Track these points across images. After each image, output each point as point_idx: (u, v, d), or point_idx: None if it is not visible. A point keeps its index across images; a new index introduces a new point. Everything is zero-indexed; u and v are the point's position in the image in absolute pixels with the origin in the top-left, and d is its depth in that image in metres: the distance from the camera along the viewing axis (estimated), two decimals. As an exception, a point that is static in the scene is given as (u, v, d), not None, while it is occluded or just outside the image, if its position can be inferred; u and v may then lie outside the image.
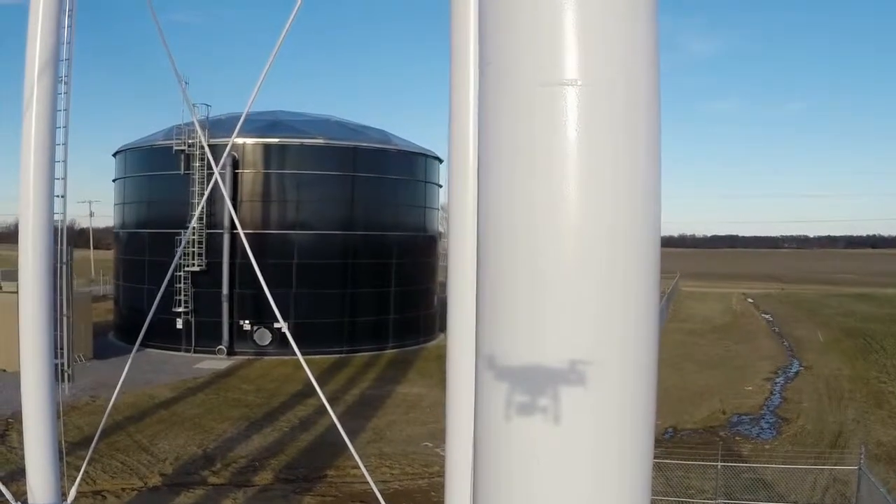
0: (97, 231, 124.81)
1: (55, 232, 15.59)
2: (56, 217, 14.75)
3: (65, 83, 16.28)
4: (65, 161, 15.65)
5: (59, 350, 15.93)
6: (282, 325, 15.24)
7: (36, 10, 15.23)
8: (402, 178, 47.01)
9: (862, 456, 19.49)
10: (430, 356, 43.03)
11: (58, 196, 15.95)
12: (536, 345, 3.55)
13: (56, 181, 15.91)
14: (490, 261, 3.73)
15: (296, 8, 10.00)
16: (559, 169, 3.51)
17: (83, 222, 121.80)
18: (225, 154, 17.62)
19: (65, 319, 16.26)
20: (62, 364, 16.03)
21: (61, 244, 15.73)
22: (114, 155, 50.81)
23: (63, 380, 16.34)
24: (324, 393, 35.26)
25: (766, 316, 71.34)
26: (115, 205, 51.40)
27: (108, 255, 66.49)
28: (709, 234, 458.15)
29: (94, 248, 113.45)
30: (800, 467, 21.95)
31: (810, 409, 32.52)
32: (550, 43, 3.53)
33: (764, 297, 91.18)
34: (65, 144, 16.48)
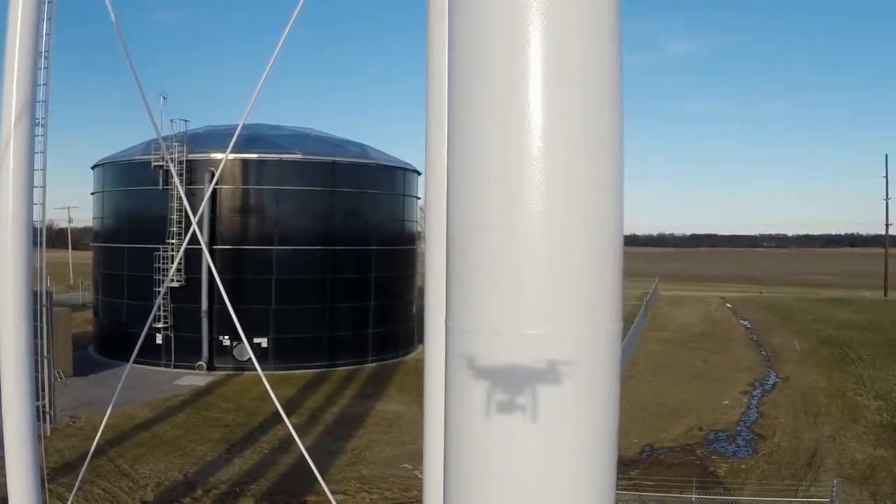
0: (75, 231, 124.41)
1: (34, 274, 15.66)
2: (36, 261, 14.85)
3: (42, 125, 16.33)
4: (43, 203, 15.73)
5: (40, 392, 16.02)
6: (246, 347, 15.35)
7: (12, 56, 15.28)
8: (381, 192, 47.13)
9: (834, 489, 19.75)
10: (408, 370, 43.14)
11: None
12: (514, 344, 3.70)
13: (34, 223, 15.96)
14: (463, 260, 3.88)
15: (292, 20, 10.01)
16: (528, 171, 3.64)
17: (62, 223, 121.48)
18: (211, 183, 17.56)
19: (45, 362, 16.33)
20: (43, 406, 16.09)
21: (41, 287, 15.81)
22: (92, 167, 50.72)
23: (45, 421, 16.40)
24: (304, 410, 35.37)
25: (744, 322, 71.79)
26: (93, 218, 51.33)
27: (87, 255, 65.84)
28: (688, 233, 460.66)
29: (73, 248, 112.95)
30: (773, 500, 22.17)
31: (786, 426, 32.81)
32: (516, 55, 3.64)
33: (742, 302, 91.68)
34: (43, 187, 16.56)
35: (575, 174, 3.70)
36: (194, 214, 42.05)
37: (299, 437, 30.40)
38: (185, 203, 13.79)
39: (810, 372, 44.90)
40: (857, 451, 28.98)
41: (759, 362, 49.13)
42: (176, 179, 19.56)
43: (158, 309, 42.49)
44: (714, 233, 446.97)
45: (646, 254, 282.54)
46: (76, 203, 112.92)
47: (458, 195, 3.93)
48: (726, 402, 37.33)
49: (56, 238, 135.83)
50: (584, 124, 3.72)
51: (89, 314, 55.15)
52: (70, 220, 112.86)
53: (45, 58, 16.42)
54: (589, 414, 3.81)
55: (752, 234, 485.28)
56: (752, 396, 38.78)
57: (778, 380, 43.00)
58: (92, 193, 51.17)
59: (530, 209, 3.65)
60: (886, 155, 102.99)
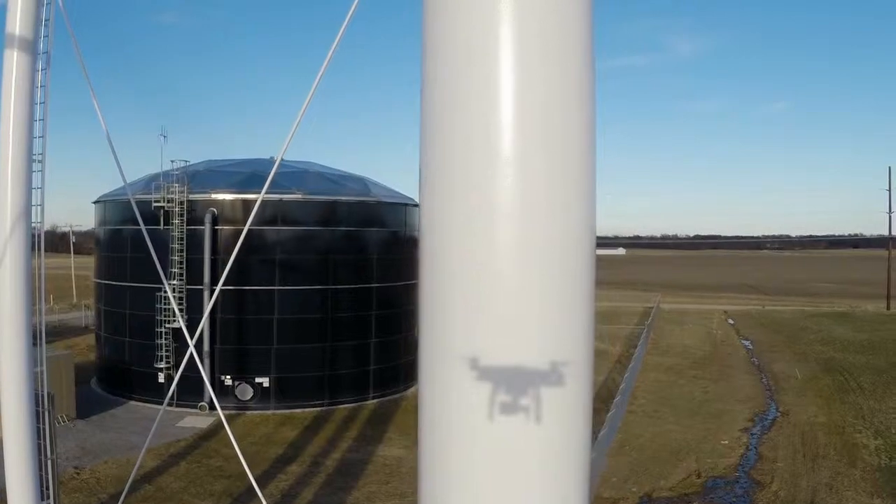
0: (77, 234, 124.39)
1: (36, 377, 15.90)
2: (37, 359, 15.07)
3: (40, 221, 16.55)
4: (41, 309, 15.95)
5: (44, 491, 16.23)
6: (208, 388, 15.63)
7: (5, 161, 15.52)
8: (382, 230, 47.23)
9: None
10: (409, 407, 43.28)
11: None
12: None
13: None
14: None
15: (328, 57, 10.05)
16: (499, 172, 3.75)
17: (63, 226, 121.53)
18: (246, 224, 17.44)
19: (49, 462, 16.56)
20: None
21: (42, 390, 16.04)
22: (94, 202, 51.07)
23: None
24: (305, 457, 35.42)
25: (746, 343, 71.98)
26: (95, 255, 51.58)
27: (90, 261, 65.07)
28: (692, 234, 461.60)
29: (75, 252, 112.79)
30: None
31: (784, 471, 32.94)
32: (486, 56, 3.74)
33: (744, 317, 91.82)
34: (42, 281, 16.80)
35: (548, 175, 3.81)
36: (200, 255, 42.54)
37: (302, 489, 30.53)
38: (153, 253, 13.99)
39: (810, 404, 45.02)
40: (854, 502, 29.14)
41: (759, 392, 49.23)
42: (140, 221, 19.84)
43: (160, 350, 42.87)
44: (717, 234, 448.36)
45: (649, 258, 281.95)
46: (81, 206, 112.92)
47: (433, 194, 4.02)
48: (725, 441, 37.45)
49: (59, 242, 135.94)
50: (555, 128, 3.82)
51: (92, 339, 55.24)
52: (73, 241, 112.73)
53: (42, 145, 16.71)
54: (582, 414, 4.02)
55: (755, 234, 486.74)
56: (752, 434, 38.89)
57: (778, 414, 43.13)
58: (93, 228, 51.53)
59: (502, 209, 3.76)
60: (889, 167, 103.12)
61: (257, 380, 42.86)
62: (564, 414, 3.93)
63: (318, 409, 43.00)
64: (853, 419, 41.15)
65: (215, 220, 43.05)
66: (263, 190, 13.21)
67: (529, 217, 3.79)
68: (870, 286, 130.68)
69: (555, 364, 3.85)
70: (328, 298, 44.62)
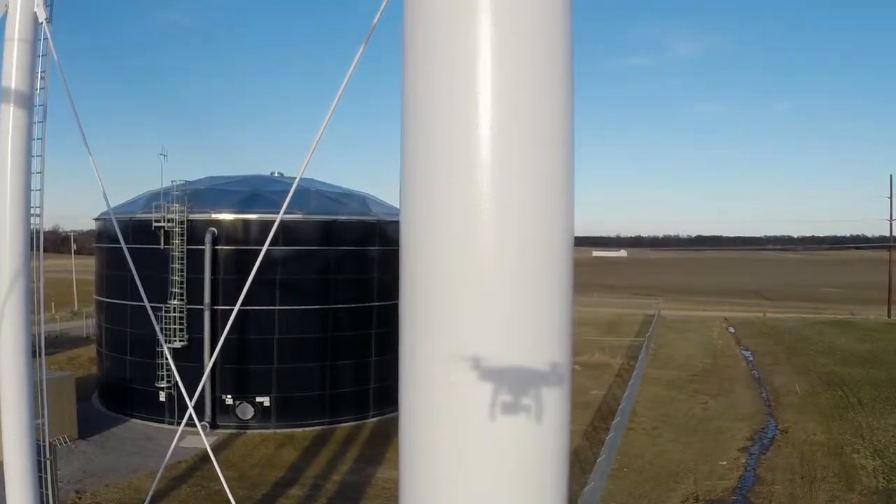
0: (80, 236, 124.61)
1: (38, 431, 16.05)
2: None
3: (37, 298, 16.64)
4: (42, 370, 16.07)
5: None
6: (189, 405, 15.75)
7: (3, 217, 15.62)
8: (382, 248, 47.19)
9: None
10: (411, 425, 43.22)
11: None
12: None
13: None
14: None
15: (348, 73, 10.09)
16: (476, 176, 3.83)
17: (66, 225, 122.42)
18: (267, 246, 17.53)
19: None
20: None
21: (44, 442, 16.20)
22: (95, 219, 51.32)
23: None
24: (306, 479, 35.51)
25: (747, 353, 71.98)
26: (96, 272, 51.68)
27: (91, 263, 64.96)
28: (693, 235, 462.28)
29: (77, 253, 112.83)
30: None
31: (782, 494, 32.98)
32: (465, 60, 3.81)
33: (745, 326, 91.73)
34: (41, 339, 16.92)
35: (526, 178, 3.89)
36: (200, 275, 42.72)
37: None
38: (135, 272, 14.05)
39: (809, 421, 45.03)
40: (851, 529, 29.25)
41: (759, 408, 49.15)
42: (122, 241, 19.85)
43: (160, 369, 42.96)
44: (719, 234, 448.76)
45: (650, 260, 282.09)
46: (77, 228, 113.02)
47: (413, 198, 4.10)
48: (724, 462, 37.46)
49: (61, 243, 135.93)
50: (533, 132, 3.89)
51: (93, 350, 55.25)
52: (75, 249, 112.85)
53: (39, 199, 16.84)
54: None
55: (757, 234, 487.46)
56: (751, 454, 38.88)
57: (777, 431, 43.16)
58: (95, 245, 51.72)
59: (480, 212, 3.83)
60: (891, 175, 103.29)
61: (258, 399, 43.01)
62: (543, 412, 3.99)
63: (319, 427, 43.13)
64: (852, 437, 41.18)
65: (215, 240, 43.18)
66: (281, 213, 13.22)
67: (507, 219, 3.86)
68: (872, 290, 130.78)
69: (533, 363, 3.93)
70: (328, 317, 44.71)
